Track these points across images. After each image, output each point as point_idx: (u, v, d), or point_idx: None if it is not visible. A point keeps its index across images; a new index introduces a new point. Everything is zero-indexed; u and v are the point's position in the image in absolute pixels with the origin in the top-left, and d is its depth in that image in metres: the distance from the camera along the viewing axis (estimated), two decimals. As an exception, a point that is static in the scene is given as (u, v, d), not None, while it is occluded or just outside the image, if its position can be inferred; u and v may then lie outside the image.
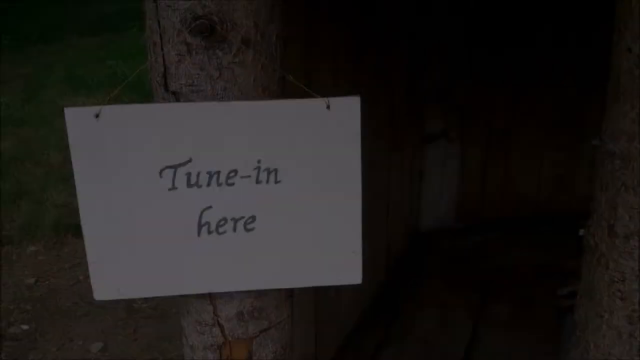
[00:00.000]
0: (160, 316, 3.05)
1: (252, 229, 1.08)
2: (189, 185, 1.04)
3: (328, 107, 1.04)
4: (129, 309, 3.09)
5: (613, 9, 0.98)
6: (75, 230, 3.79)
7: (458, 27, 3.19)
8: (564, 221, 3.55)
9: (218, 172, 1.04)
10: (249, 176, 1.05)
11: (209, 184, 1.04)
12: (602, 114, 1.02)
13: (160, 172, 1.03)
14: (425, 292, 3.02)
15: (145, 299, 3.03)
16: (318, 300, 2.24)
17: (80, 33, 9.03)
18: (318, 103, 1.04)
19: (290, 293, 1.21)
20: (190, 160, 1.03)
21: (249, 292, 1.12)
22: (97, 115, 0.99)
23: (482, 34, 3.23)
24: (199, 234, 1.06)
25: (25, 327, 3.02)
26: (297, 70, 1.84)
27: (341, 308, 2.53)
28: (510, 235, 3.51)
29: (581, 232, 1.06)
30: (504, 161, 3.53)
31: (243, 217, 1.07)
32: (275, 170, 1.05)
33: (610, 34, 0.97)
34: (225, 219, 1.06)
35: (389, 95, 2.76)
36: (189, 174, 1.03)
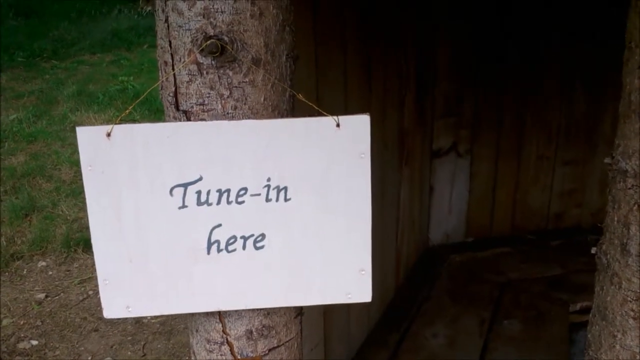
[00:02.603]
0: (169, 332, 3.05)
1: (261, 247, 1.08)
2: (199, 203, 1.04)
3: (338, 125, 1.04)
4: (138, 325, 3.09)
5: (624, 21, 0.97)
6: (86, 245, 3.81)
7: (466, 41, 3.20)
8: (575, 235, 3.56)
9: (228, 191, 1.04)
10: (259, 194, 1.05)
11: (219, 202, 1.04)
12: (612, 128, 1.01)
13: (171, 191, 1.03)
14: (435, 307, 3.00)
15: (154, 315, 3.03)
16: (327, 316, 2.23)
17: (92, 49, 9.13)
18: (328, 121, 1.04)
19: (299, 311, 1.21)
20: (200, 179, 1.03)
21: (258, 310, 1.12)
22: (108, 135, 1.00)
23: (490, 48, 3.23)
24: (208, 252, 1.06)
25: (34, 342, 3.03)
26: (308, 89, 1.86)
27: (351, 324, 2.52)
28: (520, 249, 3.49)
29: (594, 250, 1.05)
30: (513, 175, 3.52)
31: (253, 235, 1.07)
32: (285, 188, 1.06)
33: (621, 47, 0.97)
34: (234, 237, 1.07)
35: (399, 111, 2.76)
36: (199, 192, 1.04)
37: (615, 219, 0.96)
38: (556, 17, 3.20)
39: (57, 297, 3.47)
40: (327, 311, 2.19)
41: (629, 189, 0.91)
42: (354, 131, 1.05)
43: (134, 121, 5.74)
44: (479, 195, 3.54)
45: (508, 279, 3.22)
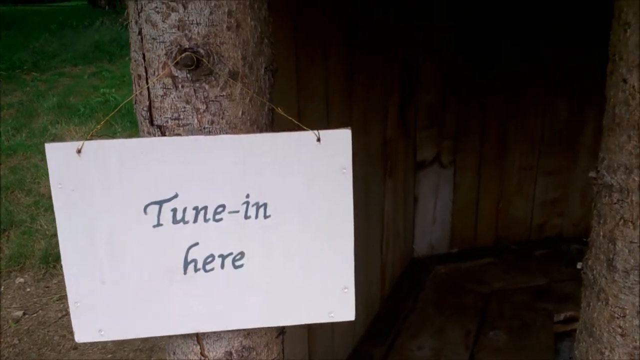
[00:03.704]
0: (151, 349, 2.99)
1: (240, 266, 1.04)
2: (174, 221, 1.00)
3: (318, 139, 1.02)
4: (119, 343, 3.02)
5: (607, 33, 0.96)
6: (65, 260, 3.72)
7: (449, 53, 3.20)
8: (558, 245, 3.57)
9: (205, 208, 1.01)
10: (238, 211, 1.02)
11: (195, 220, 1.01)
12: (594, 138, 0.99)
13: (145, 209, 0.99)
14: (421, 319, 2.97)
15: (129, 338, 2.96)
16: (312, 332, 2.19)
17: (74, 61, 9.05)
18: (308, 136, 1.02)
19: (281, 330, 1.17)
20: (176, 196, 1.00)
21: (237, 331, 1.08)
22: (79, 151, 0.96)
23: (472, 59, 3.24)
24: (185, 271, 1.03)
25: (12, 362, 2.95)
26: (289, 102, 1.83)
27: (335, 339, 2.48)
28: (504, 259, 3.49)
29: (579, 265, 1.03)
30: (497, 186, 3.52)
31: (231, 254, 1.03)
32: (265, 205, 1.02)
33: (603, 58, 0.95)
34: (212, 256, 1.03)
35: (382, 122, 2.75)
36: (174, 210, 1.00)
37: (601, 234, 0.94)
38: (538, 28, 3.21)
39: (35, 315, 3.39)
40: (312, 326, 2.15)
41: (615, 203, 0.89)
42: (335, 146, 1.02)
43: (115, 134, 5.68)
44: (463, 206, 3.53)
45: (492, 289, 3.21)
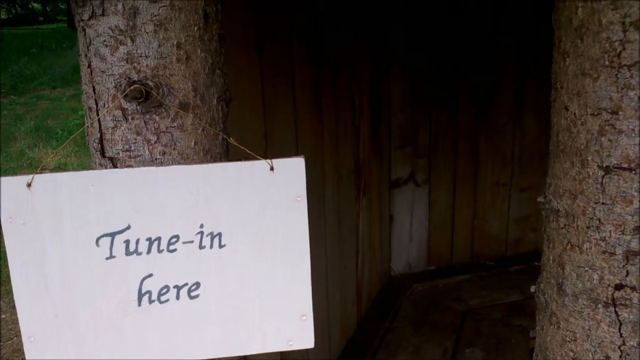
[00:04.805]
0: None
1: (196, 296, 1.03)
2: (127, 253, 1.00)
3: (272, 168, 1.02)
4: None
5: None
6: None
7: (419, 72, 3.23)
8: (533, 260, 3.58)
9: (159, 239, 1.00)
10: (192, 241, 1.01)
11: (149, 251, 1.00)
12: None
13: (97, 241, 0.99)
14: (398, 338, 2.96)
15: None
16: (285, 354, 2.17)
17: (53, 84, 9.01)
18: (261, 165, 1.02)
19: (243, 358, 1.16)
20: (128, 228, 0.99)
21: (195, 362, 1.07)
22: (29, 185, 0.96)
23: (443, 78, 3.27)
24: (139, 303, 1.02)
25: (-17, 392, 2.89)
26: (255, 128, 1.83)
27: (310, 359, 2.46)
28: (480, 276, 3.51)
29: (533, 288, 1.04)
30: (471, 203, 3.55)
31: (187, 284, 1.03)
32: (220, 234, 1.02)
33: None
34: (167, 287, 1.02)
35: (353, 143, 2.76)
36: (127, 242, 0.99)
37: (551, 258, 0.95)
38: (507, 47, 3.26)
39: (9, 342, 3.33)
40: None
41: (562, 228, 0.91)
42: (289, 174, 1.03)
43: (84, 161, 5.63)
44: (439, 224, 3.55)
45: (469, 306, 3.22)
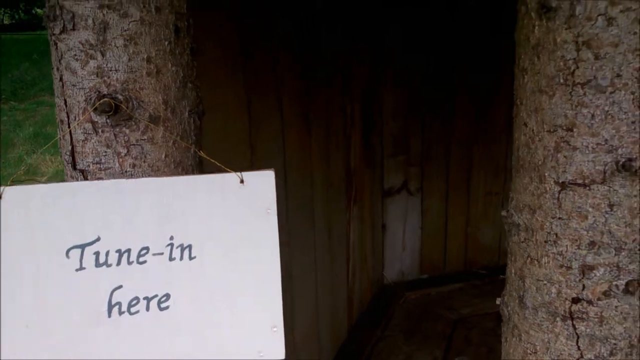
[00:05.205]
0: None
1: (166, 308, 1.04)
2: (97, 264, 1.01)
3: (242, 181, 1.03)
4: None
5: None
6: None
7: (412, 80, 3.25)
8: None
9: (128, 251, 1.01)
10: (162, 253, 1.02)
11: (119, 263, 1.01)
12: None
13: (67, 253, 1.00)
14: (389, 346, 2.97)
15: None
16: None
17: (52, 90, 9.04)
18: (231, 177, 1.03)
19: (215, 369, 1.17)
20: (98, 239, 1.00)
21: (166, 373, 1.08)
22: (0, 196, 0.97)
23: (436, 87, 3.29)
24: (109, 314, 1.03)
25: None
26: (240, 140, 1.85)
27: (298, 370, 2.47)
28: (473, 284, 3.51)
29: (498, 300, 1.05)
30: (464, 212, 3.55)
31: (156, 296, 1.04)
32: (190, 246, 1.03)
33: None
34: (137, 298, 1.03)
35: (344, 151, 2.77)
36: (97, 253, 1.01)
37: (513, 271, 0.96)
38: (501, 54, 3.27)
39: None
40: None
41: (522, 242, 0.92)
42: (259, 187, 1.04)
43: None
44: (432, 232, 3.56)
45: (460, 315, 3.22)
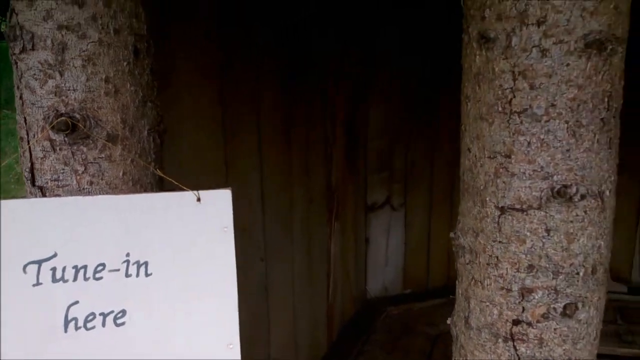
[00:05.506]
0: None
1: (122, 324, 1.06)
2: (54, 280, 1.02)
3: (199, 199, 1.05)
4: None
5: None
6: None
7: (397, 97, 3.28)
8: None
9: (85, 267, 1.03)
10: (118, 270, 1.04)
11: (75, 279, 1.03)
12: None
13: (24, 268, 1.01)
14: (370, 362, 2.98)
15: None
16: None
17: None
18: (188, 196, 1.05)
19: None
20: (55, 255, 1.02)
21: (122, 388, 1.09)
22: (-43, 212, 0.98)
23: (420, 103, 3.31)
24: (66, 330, 1.04)
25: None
26: (214, 155, 1.86)
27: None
28: (455, 300, 3.51)
29: (449, 320, 1.07)
30: (447, 228, 3.56)
31: (113, 312, 1.05)
32: (146, 263, 1.05)
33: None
34: (93, 314, 1.04)
35: (325, 167, 2.79)
36: (54, 269, 1.02)
37: (460, 292, 0.98)
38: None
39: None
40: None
41: (467, 264, 0.94)
42: (216, 205, 1.06)
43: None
44: (415, 247, 3.57)
45: (440, 330, 3.22)
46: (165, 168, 1.57)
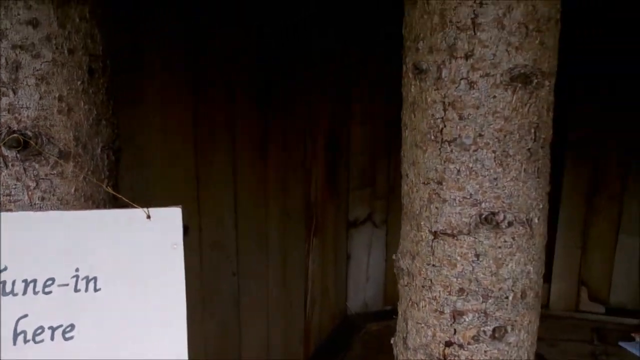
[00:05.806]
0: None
1: (70, 338, 1.07)
2: (4, 293, 1.04)
3: (148, 216, 1.07)
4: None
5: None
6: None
7: (379, 115, 3.30)
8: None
9: (34, 281, 1.04)
10: (67, 284, 1.05)
11: (24, 292, 1.04)
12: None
13: (-26, 281, 1.03)
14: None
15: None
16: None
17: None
18: (138, 213, 1.07)
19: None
20: (5, 269, 1.03)
21: (69, 402, 1.10)
22: None
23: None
24: (14, 342, 1.05)
25: None
26: (187, 171, 1.88)
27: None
28: (434, 320, 3.52)
29: (392, 340, 1.08)
30: (427, 246, 3.58)
31: (61, 326, 1.07)
32: (95, 278, 1.06)
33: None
34: (42, 328, 1.06)
35: (304, 183, 2.81)
36: (4, 282, 1.04)
37: (400, 313, 1.00)
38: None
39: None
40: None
41: (406, 285, 0.96)
42: (166, 222, 1.08)
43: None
44: (395, 265, 3.58)
45: (418, 350, 3.22)
46: (135, 183, 1.60)
